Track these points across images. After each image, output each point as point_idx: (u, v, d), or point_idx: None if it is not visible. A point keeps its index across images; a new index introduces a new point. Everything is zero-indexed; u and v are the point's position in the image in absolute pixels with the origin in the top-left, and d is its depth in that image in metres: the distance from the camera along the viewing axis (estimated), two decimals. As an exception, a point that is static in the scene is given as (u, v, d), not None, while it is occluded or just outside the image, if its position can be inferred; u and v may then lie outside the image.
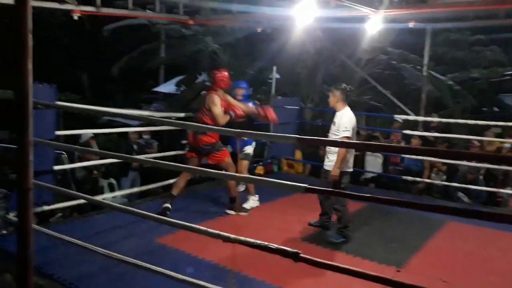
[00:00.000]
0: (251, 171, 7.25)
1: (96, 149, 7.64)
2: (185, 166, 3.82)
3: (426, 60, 8.85)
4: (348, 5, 5.45)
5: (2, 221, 4.19)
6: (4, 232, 4.21)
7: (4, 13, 5.93)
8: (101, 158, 5.82)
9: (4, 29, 4.59)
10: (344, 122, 4.58)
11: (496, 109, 13.35)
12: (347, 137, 4.53)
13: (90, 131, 6.42)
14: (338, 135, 4.56)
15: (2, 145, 6.06)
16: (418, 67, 10.21)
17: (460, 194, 6.99)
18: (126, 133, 8.10)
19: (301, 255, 2.32)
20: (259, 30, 8.67)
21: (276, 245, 2.36)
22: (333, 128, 4.70)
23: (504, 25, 7.50)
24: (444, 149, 7.02)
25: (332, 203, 4.70)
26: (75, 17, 5.84)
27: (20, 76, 1.74)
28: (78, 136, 7.25)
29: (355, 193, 2.49)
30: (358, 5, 5.47)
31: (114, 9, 6.63)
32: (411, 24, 7.08)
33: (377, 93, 10.65)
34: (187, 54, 11.43)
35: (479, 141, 7.41)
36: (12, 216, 4.04)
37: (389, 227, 5.14)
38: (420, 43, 9.07)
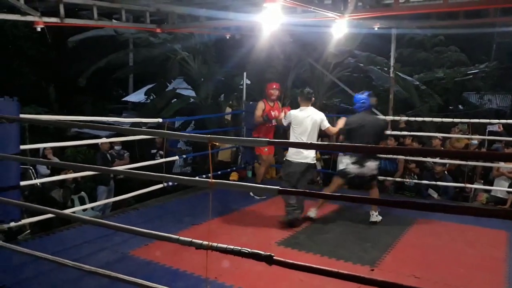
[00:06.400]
0: (226, 177, 7.24)
1: (54, 160, 7.50)
2: (161, 175, 3.74)
3: (392, 61, 9.06)
4: (314, 10, 5.53)
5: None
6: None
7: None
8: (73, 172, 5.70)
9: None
10: None
11: (461, 107, 13.80)
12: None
13: (57, 144, 6.26)
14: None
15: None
16: (385, 68, 10.45)
17: (430, 191, 7.18)
18: (96, 145, 7.96)
19: (275, 257, 2.33)
20: (227, 36, 8.69)
21: (249, 249, 2.36)
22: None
23: (462, 25, 7.78)
24: (418, 147, 7.23)
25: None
26: (38, 29, 5.71)
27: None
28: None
29: (329, 193, 2.54)
30: (323, 10, 5.55)
31: (78, 19, 6.51)
32: (376, 27, 7.23)
33: (347, 95, 10.81)
34: (156, 62, 11.34)
35: (445, 138, 7.62)
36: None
37: (362, 227, 5.21)
38: (386, 45, 9.28)
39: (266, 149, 6.50)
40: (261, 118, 6.34)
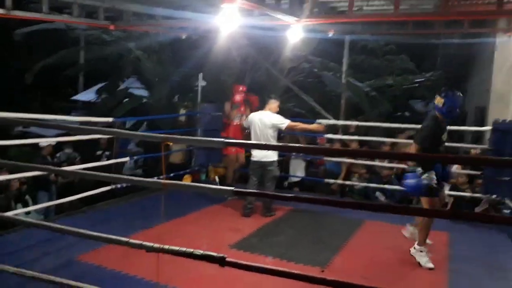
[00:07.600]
0: (178, 180, 7.12)
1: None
2: (112, 175, 3.63)
3: (345, 68, 9.31)
4: (271, 14, 5.59)
5: None
6: None
7: None
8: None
9: None
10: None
11: (407, 113, 14.41)
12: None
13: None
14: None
15: None
16: (338, 74, 10.72)
17: (377, 193, 7.44)
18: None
19: (228, 259, 2.32)
20: (183, 36, 8.59)
21: (201, 251, 2.34)
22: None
23: (411, 34, 8.21)
24: (366, 150, 7.43)
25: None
26: (-19, 20, 5.39)
27: None
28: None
29: (282, 194, 2.57)
30: (281, 14, 5.62)
31: (27, 12, 6.20)
32: (330, 34, 7.42)
33: (301, 100, 10.98)
34: (108, 61, 11.00)
35: (393, 142, 7.93)
36: None
37: (313, 229, 5.31)
38: (340, 52, 9.53)
39: (234, 149, 6.75)
40: (229, 112, 6.87)
